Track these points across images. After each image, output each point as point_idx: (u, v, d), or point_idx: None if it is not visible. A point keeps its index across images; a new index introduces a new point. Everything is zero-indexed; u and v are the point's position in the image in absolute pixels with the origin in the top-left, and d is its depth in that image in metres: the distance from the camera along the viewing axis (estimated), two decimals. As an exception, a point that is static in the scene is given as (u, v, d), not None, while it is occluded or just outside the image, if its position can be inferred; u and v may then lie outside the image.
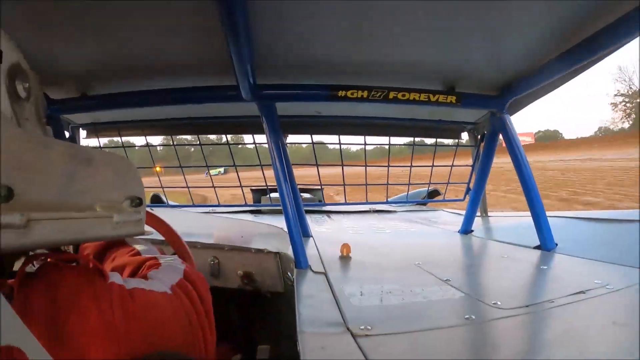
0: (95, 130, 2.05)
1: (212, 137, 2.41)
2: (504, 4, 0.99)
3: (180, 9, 0.98)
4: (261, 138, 2.07)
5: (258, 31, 1.07)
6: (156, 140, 2.13)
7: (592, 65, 1.22)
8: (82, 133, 2.04)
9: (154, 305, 0.69)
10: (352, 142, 2.17)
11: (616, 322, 0.74)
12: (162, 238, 1.30)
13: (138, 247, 0.87)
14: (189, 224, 1.29)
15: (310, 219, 2.15)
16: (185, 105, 1.77)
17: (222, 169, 19.58)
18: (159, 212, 1.32)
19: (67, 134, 1.87)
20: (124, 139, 2.12)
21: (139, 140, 2.13)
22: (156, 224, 1.27)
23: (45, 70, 1.30)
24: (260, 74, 1.32)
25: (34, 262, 0.66)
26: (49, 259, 0.65)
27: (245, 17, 0.95)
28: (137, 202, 0.63)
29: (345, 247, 1.38)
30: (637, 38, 1.00)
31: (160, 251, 1.09)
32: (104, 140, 2.12)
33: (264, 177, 2.25)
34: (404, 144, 2.24)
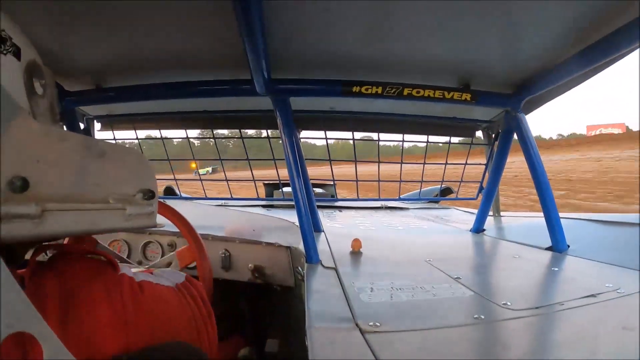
0: (109, 122, 2.08)
1: (224, 132, 2.40)
2: (520, 2, 0.98)
3: (195, 3, 0.99)
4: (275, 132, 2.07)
5: (273, 26, 1.07)
6: (174, 133, 2.11)
7: (609, 65, 1.20)
8: (97, 125, 2.07)
9: (162, 298, 0.71)
10: (365, 138, 2.16)
11: (626, 327, 0.73)
12: (175, 229, 1.32)
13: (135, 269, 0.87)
14: (201, 216, 1.30)
15: (321, 214, 2.16)
16: (199, 99, 1.78)
17: (209, 168, 17.62)
18: (171, 204, 1.34)
19: (81, 126, 1.89)
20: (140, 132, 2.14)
21: (158, 133, 2.14)
22: (170, 214, 1.29)
23: (60, 62, 1.32)
24: (275, 69, 1.32)
25: (47, 252, 0.67)
26: (61, 250, 0.66)
27: (261, 11, 0.96)
28: (150, 195, 0.64)
29: (356, 242, 1.38)
30: None
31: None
32: (125, 134, 2.15)
33: (277, 171, 2.26)
34: (417, 142, 2.22)
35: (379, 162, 2.24)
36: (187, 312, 0.75)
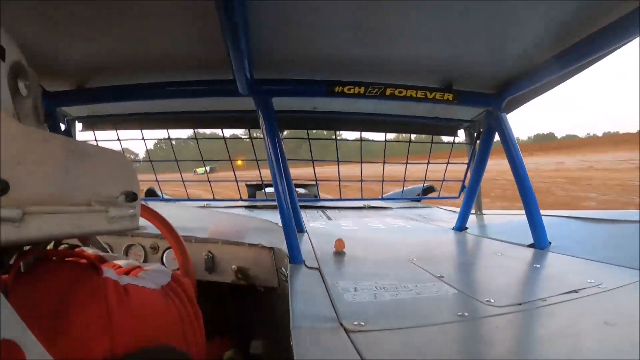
0: (91, 123, 2.05)
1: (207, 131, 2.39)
2: (502, 3, 0.99)
3: (178, 3, 0.98)
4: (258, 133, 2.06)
5: (256, 26, 1.07)
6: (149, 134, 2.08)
7: (588, 66, 1.22)
8: (78, 126, 2.04)
9: (147, 301, 0.70)
10: (349, 138, 2.17)
11: (608, 322, 0.74)
12: (157, 232, 1.31)
13: (120, 262, 0.86)
14: (183, 218, 1.29)
15: (304, 215, 2.15)
16: (182, 99, 1.76)
17: (207, 167, 18.32)
18: (153, 206, 1.32)
19: (62, 127, 1.86)
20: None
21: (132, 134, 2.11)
22: (152, 217, 1.27)
23: (41, 62, 1.29)
24: (258, 69, 1.32)
25: (27, 257, 0.66)
26: (44, 255, 0.65)
27: (244, 11, 0.95)
28: (132, 197, 0.64)
29: (340, 242, 1.38)
30: (634, 40, 1.01)
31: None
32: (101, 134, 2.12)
33: (260, 171, 2.25)
34: (400, 141, 2.23)
35: (361, 162, 2.25)
36: (174, 314, 0.74)
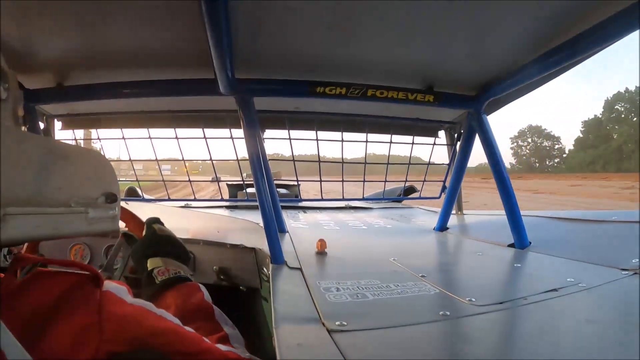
0: (71, 121, 2.02)
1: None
2: (484, 5, 1.00)
3: (158, 1, 0.97)
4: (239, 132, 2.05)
5: (238, 25, 1.06)
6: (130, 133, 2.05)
7: (568, 69, 1.24)
8: (57, 124, 2.00)
9: (149, 322, 0.68)
10: (330, 138, 2.16)
11: (589, 319, 0.76)
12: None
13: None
14: (164, 218, 1.27)
15: (286, 215, 2.15)
16: (163, 98, 1.74)
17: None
18: (134, 205, 1.30)
19: (41, 125, 1.83)
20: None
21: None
22: (128, 218, 1.26)
23: (19, 58, 1.27)
24: (239, 68, 1.31)
25: (7, 257, 0.65)
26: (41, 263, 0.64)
27: (226, 10, 0.94)
28: (112, 198, 0.64)
29: (321, 242, 1.38)
30: (613, 43, 1.03)
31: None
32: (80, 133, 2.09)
33: (241, 172, 2.24)
34: (381, 142, 2.23)
35: (342, 162, 2.25)
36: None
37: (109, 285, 0.68)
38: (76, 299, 0.59)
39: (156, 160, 2.20)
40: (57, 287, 0.59)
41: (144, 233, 1.22)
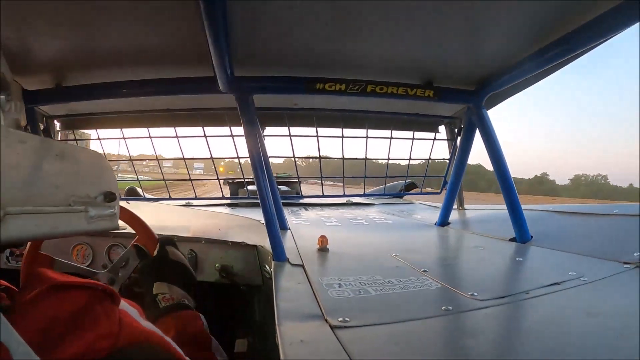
0: (70, 122, 2.02)
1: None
2: (482, 1, 1.00)
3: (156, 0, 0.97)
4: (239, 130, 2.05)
5: (236, 23, 1.06)
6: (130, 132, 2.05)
7: (568, 63, 1.24)
8: (57, 125, 2.01)
9: (158, 345, 0.68)
10: (330, 134, 2.16)
11: (590, 313, 0.76)
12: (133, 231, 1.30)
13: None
14: (165, 217, 1.28)
15: (287, 212, 2.15)
16: (163, 97, 1.75)
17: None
18: (135, 205, 1.31)
19: (41, 126, 1.83)
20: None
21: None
22: (129, 218, 1.27)
23: (18, 60, 1.27)
24: (238, 66, 1.31)
25: (9, 259, 0.66)
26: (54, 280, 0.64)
27: (224, 7, 0.94)
28: (111, 197, 0.64)
29: (323, 239, 1.38)
30: (612, 37, 1.03)
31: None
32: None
33: (241, 169, 2.24)
34: (381, 137, 2.23)
35: (343, 158, 2.25)
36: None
37: (123, 304, 0.69)
38: (97, 312, 0.59)
39: (156, 158, 2.21)
40: (75, 300, 0.59)
41: (155, 252, 1.22)
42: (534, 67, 1.26)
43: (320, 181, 2.39)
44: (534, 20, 1.09)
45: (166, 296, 1.11)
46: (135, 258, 1.26)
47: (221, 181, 2.43)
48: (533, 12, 1.05)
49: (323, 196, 2.66)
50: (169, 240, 1.26)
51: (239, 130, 2.04)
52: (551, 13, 1.04)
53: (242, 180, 2.38)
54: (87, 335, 0.55)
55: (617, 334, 0.65)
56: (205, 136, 2.08)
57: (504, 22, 1.11)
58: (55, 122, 2.00)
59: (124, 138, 2.07)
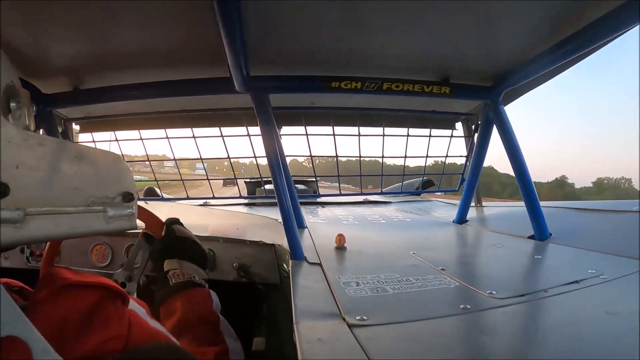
0: (88, 124, 2.05)
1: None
2: None
3: (173, 2, 0.98)
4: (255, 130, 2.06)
5: (251, 23, 1.06)
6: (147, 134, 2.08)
7: (585, 57, 1.23)
8: (75, 127, 2.04)
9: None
10: (346, 133, 2.16)
11: (609, 312, 0.75)
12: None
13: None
14: (183, 217, 1.29)
15: (304, 210, 2.15)
16: (179, 98, 1.76)
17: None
18: (153, 205, 1.32)
19: (59, 129, 1.86)
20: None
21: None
22: (146, 216, 1.28)
23: (36, 64, 1.29)
24: (254, 66, 1.31)
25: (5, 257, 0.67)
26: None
27: (239, 8, 0.95)
28: (129, 197, 0.65)
29: (340, 237, 1.38)
30: (630, 31, 1.01)
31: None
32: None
33: (258, 168, 2.25)
34: (398, 135, 2.22)
35: (360, 157, 2.25)
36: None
37: (132, 304, 0.70)
38: (108, 313, 0.60)
39: (174, 159, 2.23)
40: (87, 299, 0.60)
41: (163, 233, 1.23)
42: (551, 62, 1.25)
43: (337, 181, 2.40)
44: (549, 15, 1.08)
45: (177, 272, 1.12)
46: (146, 247, 1.27)
47: (238, 181, 2.44)
48: (550, 4, 1.03)
49: (340, 194, 2.66)
50: (175, 220, 1.26)
51: (255, 130, 2.06)
52: (567, 6, 1.03)
53: (260, 179, 2.39)
54: (97, 336, 0.56)
55: (637, 333, 0.64)
56: (222, 136, 2.10)
57: (520, 17, 1.10)
58: (74, 124, 2.03)
59: (141, 139, 2.09)
